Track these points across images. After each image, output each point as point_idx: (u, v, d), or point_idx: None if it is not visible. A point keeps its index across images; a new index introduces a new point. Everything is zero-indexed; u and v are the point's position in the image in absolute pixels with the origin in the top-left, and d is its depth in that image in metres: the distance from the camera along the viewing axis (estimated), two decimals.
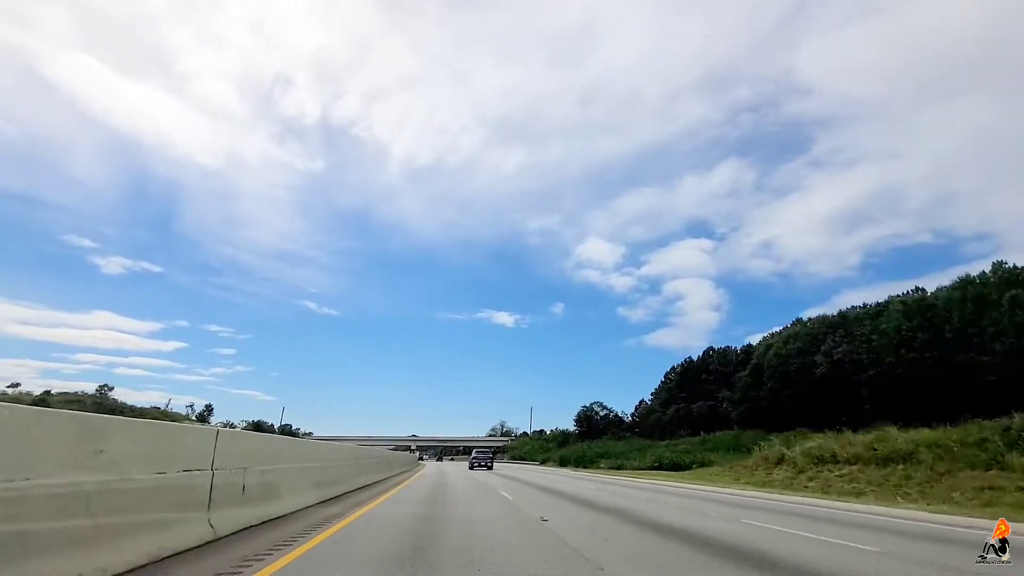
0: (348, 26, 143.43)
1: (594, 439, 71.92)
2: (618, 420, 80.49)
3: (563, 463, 62.44)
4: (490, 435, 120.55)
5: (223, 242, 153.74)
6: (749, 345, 55.65)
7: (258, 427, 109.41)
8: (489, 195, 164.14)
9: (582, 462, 54.78)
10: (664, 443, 51.62)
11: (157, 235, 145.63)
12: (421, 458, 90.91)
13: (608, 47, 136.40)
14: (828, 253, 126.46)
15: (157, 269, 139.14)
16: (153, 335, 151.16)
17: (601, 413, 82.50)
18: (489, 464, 40.36)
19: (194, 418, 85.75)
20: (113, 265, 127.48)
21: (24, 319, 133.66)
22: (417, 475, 25.81)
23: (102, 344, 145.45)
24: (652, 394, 76.13)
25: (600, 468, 48.40)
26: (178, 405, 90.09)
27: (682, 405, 58.46)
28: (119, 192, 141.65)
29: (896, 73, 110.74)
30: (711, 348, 62.27)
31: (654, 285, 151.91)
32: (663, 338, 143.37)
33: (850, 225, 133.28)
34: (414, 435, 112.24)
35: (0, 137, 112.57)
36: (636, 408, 76.86)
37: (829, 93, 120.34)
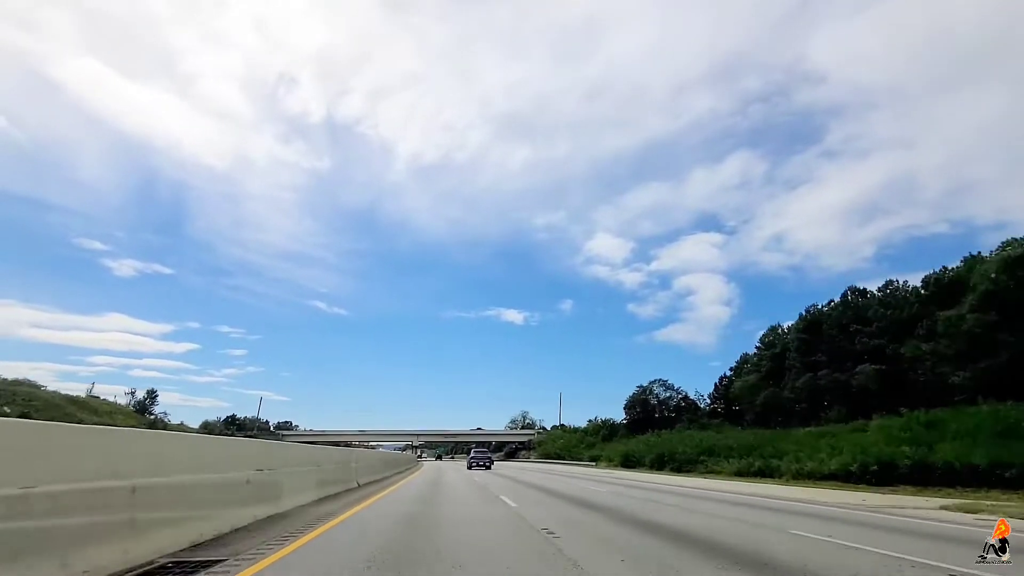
0: (351, 23, 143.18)
1: (656, 429, 51.92)
2: (688, 405, 60.35)
3: (630, 463, 42.32)
4: (510, 428, 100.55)
5: (232, 243, 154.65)
6: (942, 271, 34.84)
7: (234, 422, 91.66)
8: (496, 192, 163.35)
9: (670, 463, 34.78)
10: (798, 431, 31.75)
11: (167, 237, 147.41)
12: (420, 455, 76.44)
13: (613, 41, 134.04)
14: (841, 245, 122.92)
15: (168, 271, 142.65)
16: (165, 336, 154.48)
17: (664, 395, 62.20)
18: (488, 464, 38.15)
19: (132, 407, 66.34)
20: (125, 268, 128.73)
21: (39, 322, 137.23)
22: (399, 484, 18.03)
23: (116, 346, 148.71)
24: (734, 368, 55.97)
25: (717, 473, 28.48)
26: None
27: (821, 373, 37.98)
28: (128, 194, 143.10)
29: (910, 60, 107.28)
30: (855, 289, 41.64)
31: (664, 280, 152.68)
32: (673, 334, 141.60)
33: (864, 216, 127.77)
34: (422, 430, 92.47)
35: (9, 141, 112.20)
36: (721, 385, 56.38)
37: (842, 81, 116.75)
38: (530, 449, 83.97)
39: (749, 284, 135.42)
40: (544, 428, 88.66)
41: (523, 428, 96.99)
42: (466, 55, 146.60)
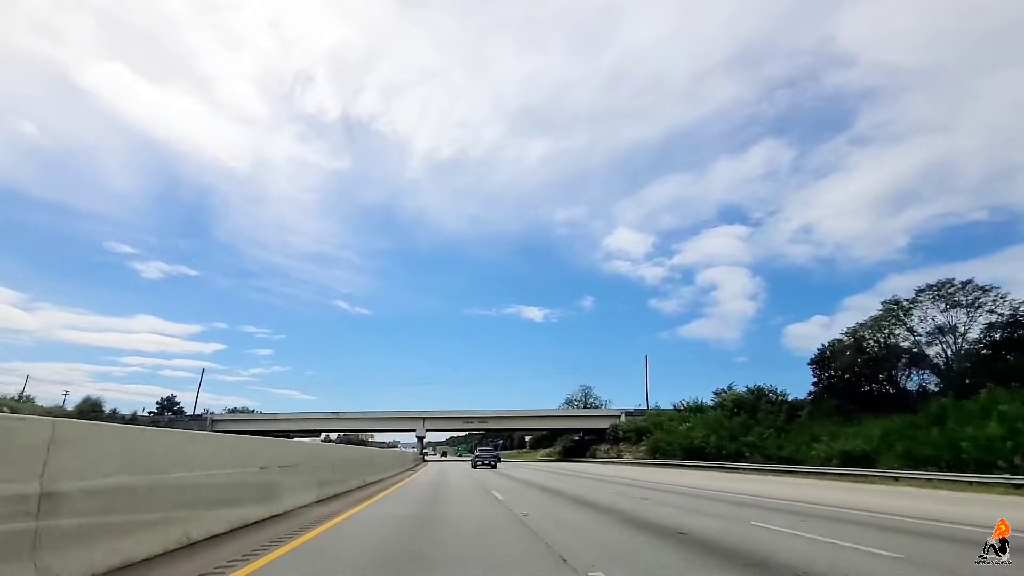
0: (364, 19, 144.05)
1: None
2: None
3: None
4: (562, 410, 69.24)
5: (255, 244, 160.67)
6: None
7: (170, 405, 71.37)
8: (513, 188, 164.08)
9: None
10: None
11: (192, 239, 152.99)
12: (424, 454, 61.29)
13: (631, 27, 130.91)
14: (873, 236, 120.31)
15: (193, 272, 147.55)
16: (193, 337, 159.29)
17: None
18: (493, 463, 36.01)
19: None
20: (152, 270, 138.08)
21: (74, 324, 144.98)
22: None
23: (146, 347, 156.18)
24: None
25: None
26: None
27: None
28: (153, 198, 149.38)
29: (946, 38, 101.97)
30: None
31: (687, 275, 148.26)
32: (698, 329, 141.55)
33: (897, 205, 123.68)
34: (436, 411, 61.39)
35: (39, 149, 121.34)
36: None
37: (872, 63, 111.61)
38: (615, 442, 52.98)
39: (776, 278, 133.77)
40: (622, 413, 57.67)
41: (585, 407, 65.80)
42: (480, 48, 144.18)
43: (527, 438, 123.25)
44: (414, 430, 61.57)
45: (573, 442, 66.47)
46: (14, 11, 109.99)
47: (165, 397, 74.57)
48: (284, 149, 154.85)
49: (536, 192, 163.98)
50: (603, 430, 56.56)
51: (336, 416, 62.76)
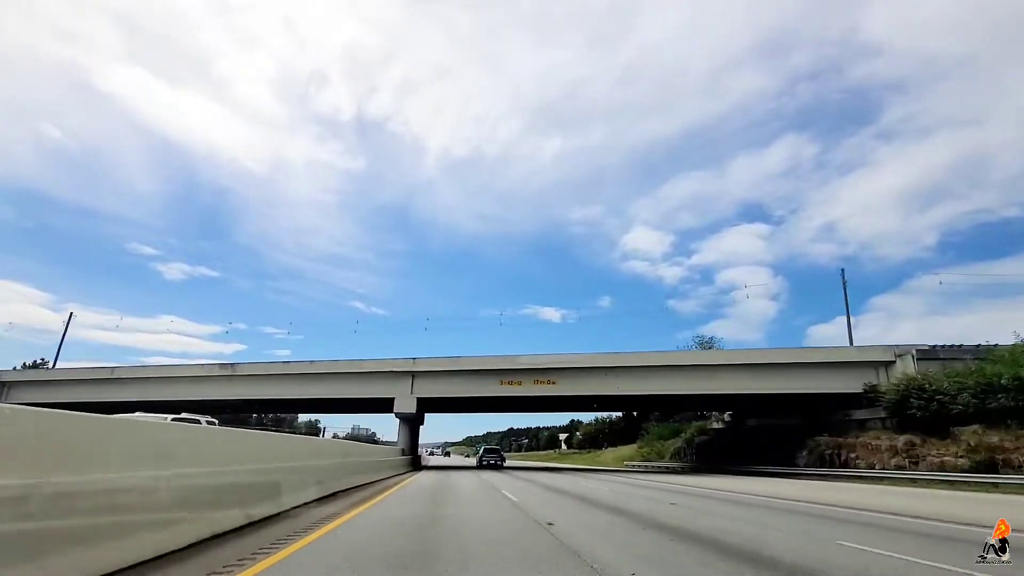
0: (377, 17, 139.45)
1: None
2: None
3: None
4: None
5: (272, 245, 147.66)
6: None
7: None
8: (529, 186, 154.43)
9: None
10: None
11: (211, 241, 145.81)
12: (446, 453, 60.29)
13: (649, 20, 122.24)
14: (900, 233, 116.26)
15: (214, 274, 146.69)
16: (215, 337, 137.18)
17: None
18: (500, 463, 36.05)
19: None
20: (174, 271, 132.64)
21: (101, 324, 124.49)
22: None
23: (170, 347, 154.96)
24: None
25: None
26: None
27: None
28: (173, 200, 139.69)
29: (979, 25, 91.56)
30: None
31: (706, 275, 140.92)
32: (717, 330, 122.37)
33: (925, 201, 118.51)
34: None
35: (64, 153, 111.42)
36: None
37: (900, 52, 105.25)
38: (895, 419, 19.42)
39: (798, 277, 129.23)
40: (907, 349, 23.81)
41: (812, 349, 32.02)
42: (494, 44, 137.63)
43: (560, 436, 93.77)
44: (394, 409, 28.12)
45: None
46: (39, 17, 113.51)
47: None
48: (301, 150, 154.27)
49: (551, 190, 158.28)
50: (872, 391, 23.36)
51: (233, 371, 29.28)
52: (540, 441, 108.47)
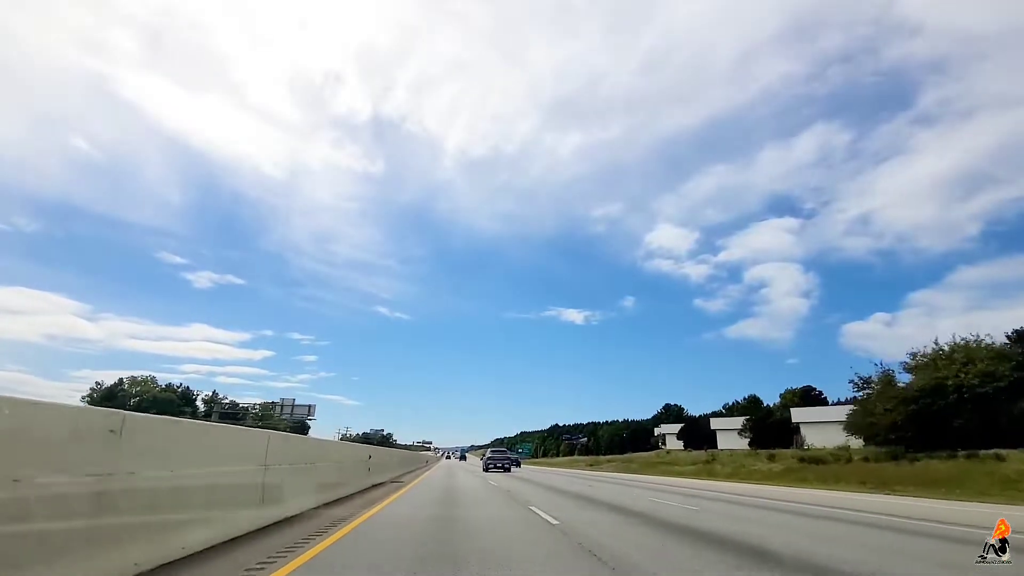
0: (391, 13, 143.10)
1: None
2: None
3: None
4: None
5: (297, 252, 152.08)
6: None
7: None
8: (548, 184, 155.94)
9: None
10: None
11: (238, 249, 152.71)
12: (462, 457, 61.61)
13: (671, 5, 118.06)
14: (940, 224, 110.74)
15: (240, 281, 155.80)
16: (244, 344, 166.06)
17: None
18: (507, 466, 34.49)
19: None
20: (203, 280, 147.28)
21: (134, 333, 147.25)
22: None
23: (201, 355, 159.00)
24: None
25: None
26: None
27: None
28: (198, 208, 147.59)
29: None
30: None
31: (733, 272, 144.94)
32: (746, 329, 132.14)
33: (967, 189, 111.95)
34: None
35: (92, 164, 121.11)
36: None
37: (940, 30, 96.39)
38: None
39: (830, 273, 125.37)
40: None
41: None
42: (511, 36, 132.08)
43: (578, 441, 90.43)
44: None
45: None
46: (63, 28, 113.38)
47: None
48: (320, 155, 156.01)
49: (572, 187, 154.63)
50: None
51: None
52: (600, 441, 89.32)
